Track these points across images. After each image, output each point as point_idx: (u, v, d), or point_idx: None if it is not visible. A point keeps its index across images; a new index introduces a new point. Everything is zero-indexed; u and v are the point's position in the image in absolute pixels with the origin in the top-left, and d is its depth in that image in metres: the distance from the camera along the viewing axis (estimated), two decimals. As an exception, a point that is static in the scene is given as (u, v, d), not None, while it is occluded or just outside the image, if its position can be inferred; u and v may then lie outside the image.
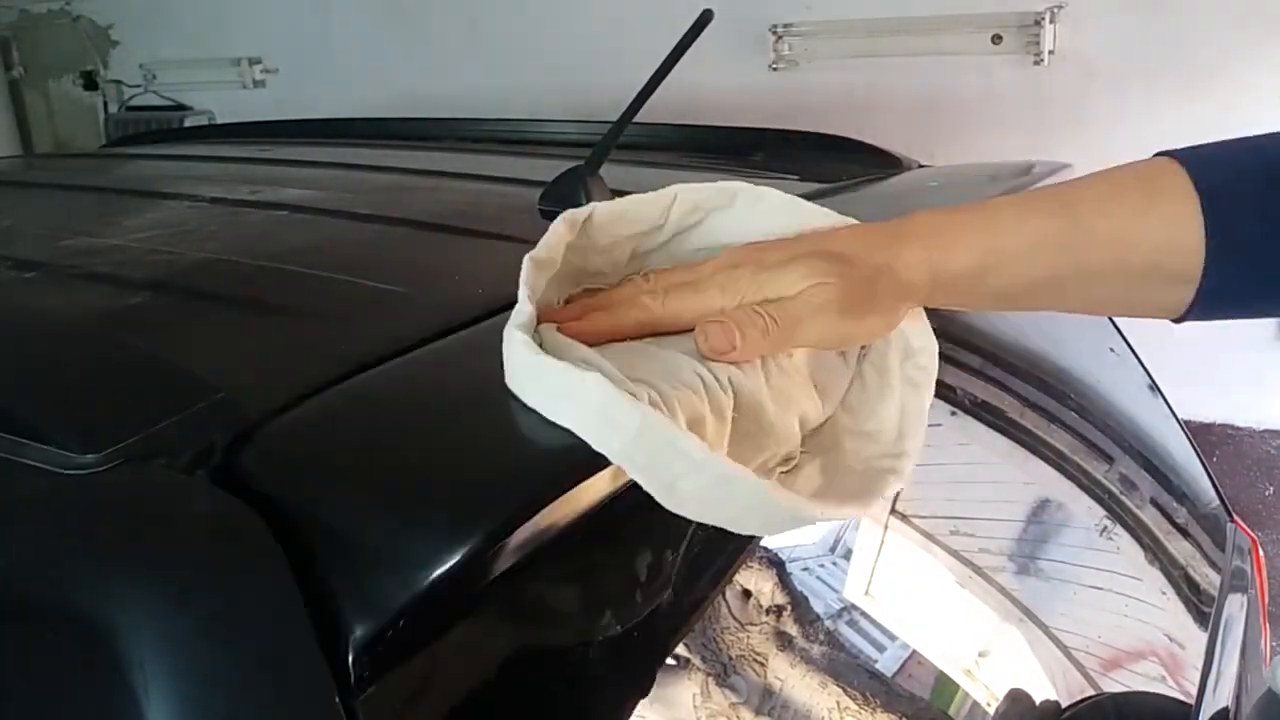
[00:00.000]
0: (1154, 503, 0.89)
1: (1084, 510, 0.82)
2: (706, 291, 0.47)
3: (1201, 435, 2.25)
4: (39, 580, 0.36)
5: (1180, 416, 1.19)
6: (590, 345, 0.44)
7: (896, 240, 0.48)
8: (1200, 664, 0.82)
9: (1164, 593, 0.83)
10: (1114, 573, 0.82)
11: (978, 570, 0.69)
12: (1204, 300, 0.46)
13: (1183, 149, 0.48)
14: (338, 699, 0.33)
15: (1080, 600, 0.78)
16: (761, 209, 0.52)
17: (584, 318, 0.47)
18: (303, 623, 0.34)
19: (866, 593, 0.61)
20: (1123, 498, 0.84)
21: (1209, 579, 0.89)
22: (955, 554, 0.68)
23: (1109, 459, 0.87)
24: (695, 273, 0.48)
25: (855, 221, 0.52)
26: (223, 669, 0.32)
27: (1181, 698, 0.80)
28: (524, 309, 0.44)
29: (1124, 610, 0.80)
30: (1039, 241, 0.47)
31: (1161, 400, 1.16)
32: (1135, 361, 1.11)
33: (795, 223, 0.51)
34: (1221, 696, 0.86)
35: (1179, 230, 0.45)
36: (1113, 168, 0.49)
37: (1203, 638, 0.84)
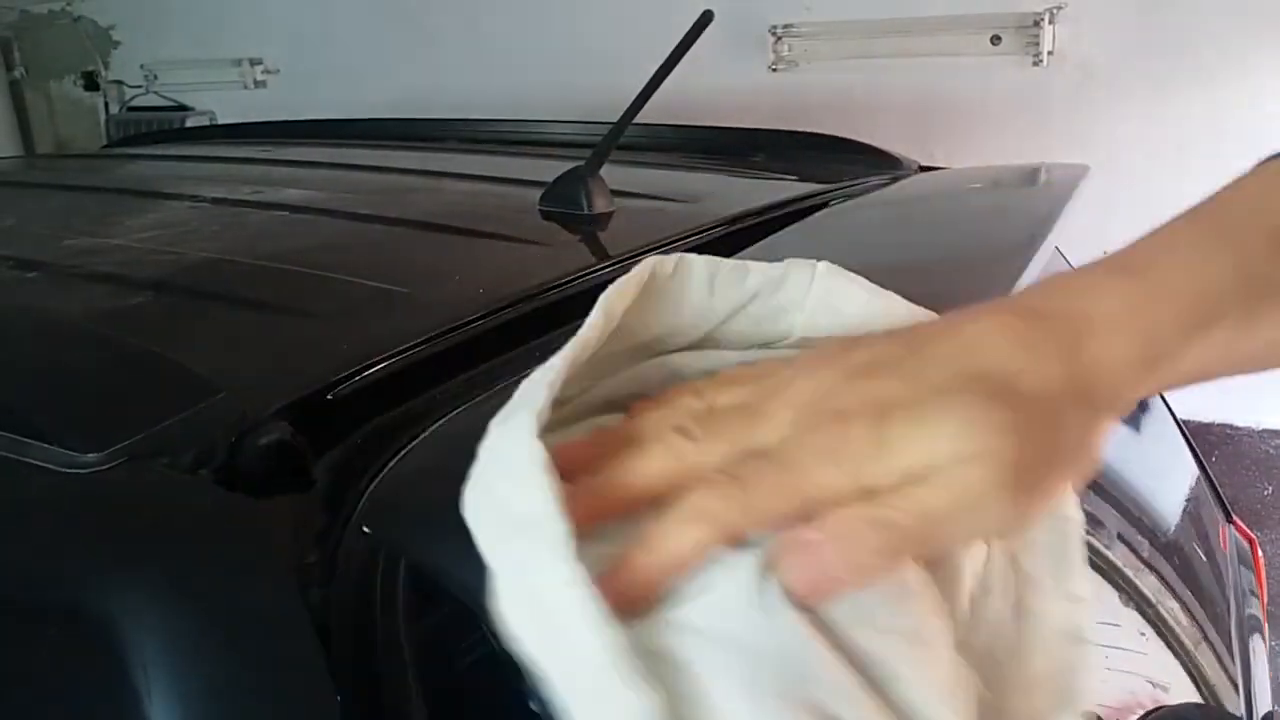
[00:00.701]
0: (1120, 538, 0.85)
1: None
2: (797, 461, 0.29)
3: (1201, 435, 2.26)
4: (42, 580, 0.36)
5: (1180, 416, 1.19)
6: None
7: (1081, 336, 0.30)
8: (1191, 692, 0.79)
9: (1143, 634, 0.77)
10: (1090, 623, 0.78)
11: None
12: None
13: None
14: (337, 699, 0.33)
15: None
16: (817, 292, 0.38)
17: (591, 463, 0.31)
18: (304, 623, 0.34)
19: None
20: (1089, 537, 0.81)
21: (1174, 612, 0.85)
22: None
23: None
24: (775, 403, 0.31)
25: (934, 315, 0.36)
26: (225, 669, 0.32)
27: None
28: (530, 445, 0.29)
29: (1105, 663, 0.75)
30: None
31: (1161, 400, 1.15)
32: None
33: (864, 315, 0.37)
34: (1263, 701, 0.84)
35: None
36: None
37: (1184, 678, 0.80)
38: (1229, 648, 0.88)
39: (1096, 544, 0.79)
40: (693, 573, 0.28)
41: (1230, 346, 0.32)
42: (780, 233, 0.70)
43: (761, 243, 0.65)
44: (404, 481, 0.39)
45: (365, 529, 0.37)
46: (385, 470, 0.41)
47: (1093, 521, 0.81)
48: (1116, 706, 0.70)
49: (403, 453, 0.42)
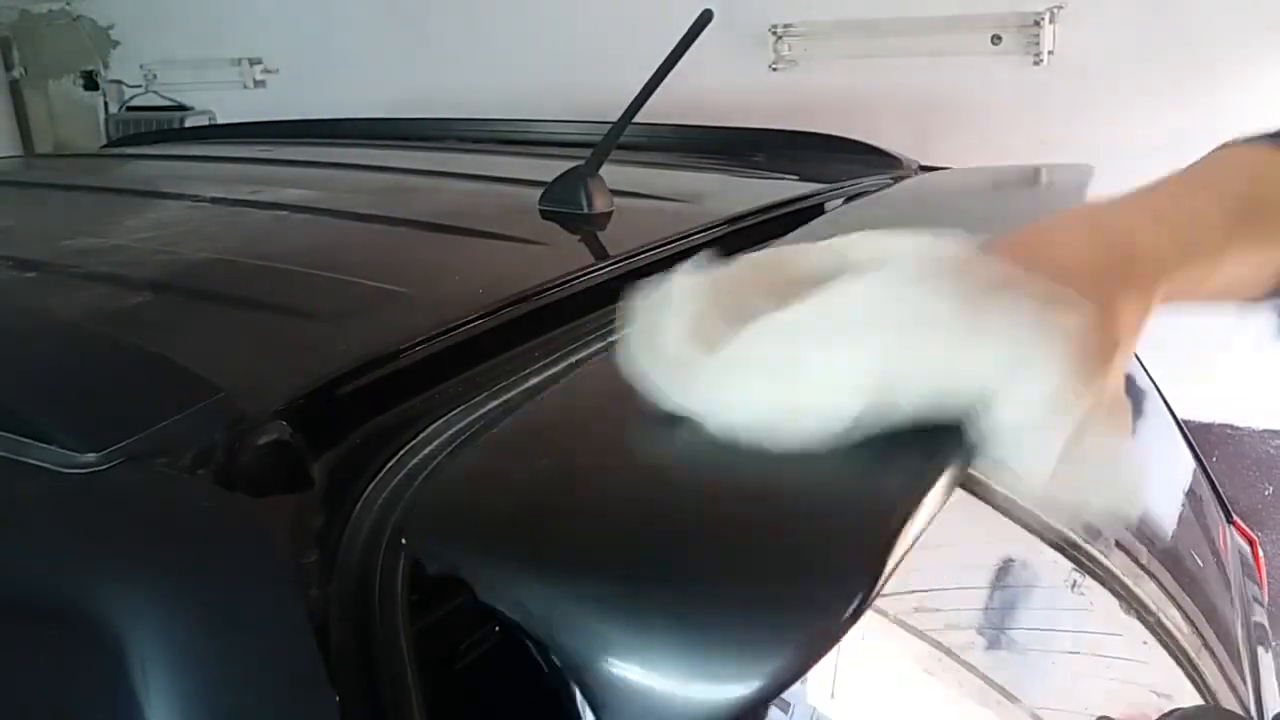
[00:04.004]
0: (1119, 546, 0.82)
1: (1050, 566, 0.74)
2: None
3: (1201, 435, 2.25)
4: (40, 579, 0.36)
5: (1180, 416, 1.19)
6: None
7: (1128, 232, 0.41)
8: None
9: (1145, 643, 0.76)
10: (1090, 633, 0.77)
11: (948, 652, 0.62)
12: None
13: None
14: (336, 698, 0.33)
15: (1060, 669, 0.72)
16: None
17: None
18: (303, 622, 0.34)
19: (831, 695, 0.54)
20: (1087, 546, 0.78)
21: (1175, 620, 0.84)
22: (922, 635, 0.61)
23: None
24: None
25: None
26: (223, 668, 0.32)
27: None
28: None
29: (1106, 673, 0.74)
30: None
31: (1161, 400, 1.15)
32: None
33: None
34: (1272, 706, 0.83)
35: None
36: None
37: (1188, 687, 0.79)
38: (1234, 655, 0.87)
39: (1095, 551, 0.78)
40: None
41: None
42: (793, 234, 0.69)
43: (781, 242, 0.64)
44: (446, 492, 0.38)
45: (403, 540, 0.36)
46: (414, 478, 0.41)
47: (1089, 530, 0.80)
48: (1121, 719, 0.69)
49: (432, 460, 0.41)
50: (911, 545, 0.30)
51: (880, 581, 0.29)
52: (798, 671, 0.27)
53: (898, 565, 0.29)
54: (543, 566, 0.32)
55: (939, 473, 0.33)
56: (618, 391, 0.41)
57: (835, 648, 0.28)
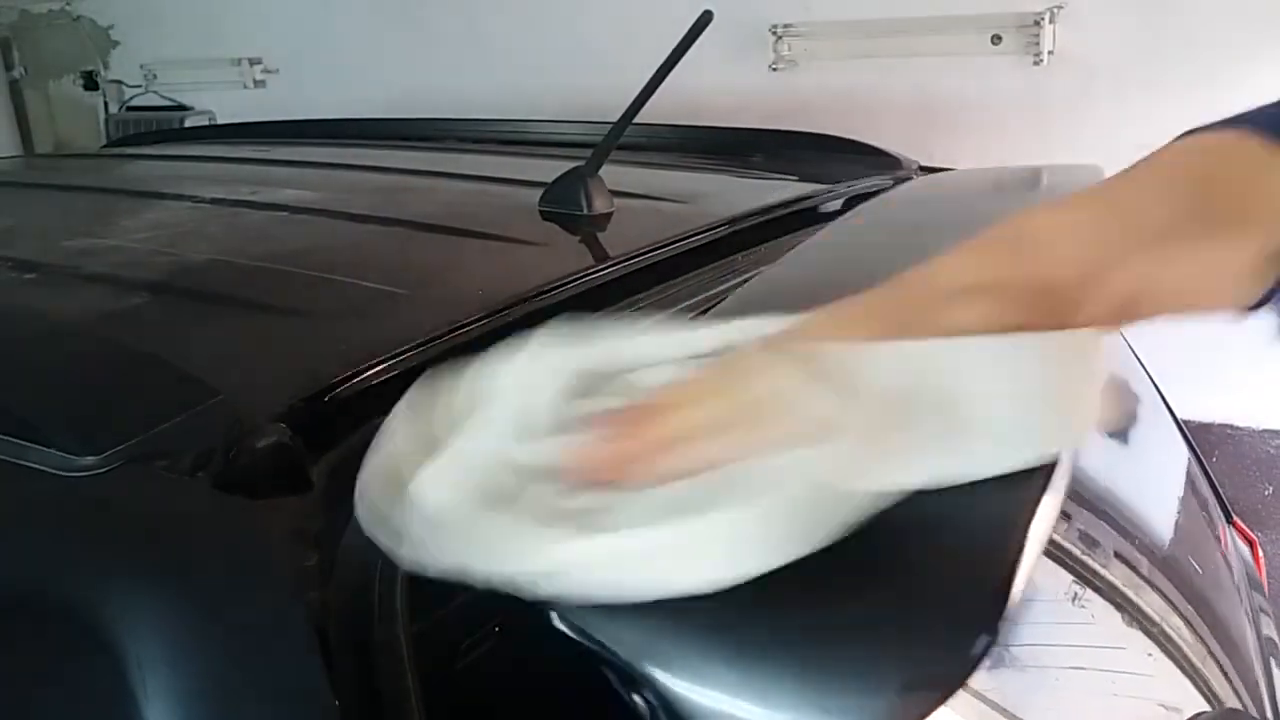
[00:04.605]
0: (1119, 556, 0.81)
1: (1050, 579, 0.73)
2: None
3: (1201, 435, 2.25)
4: (40, 582, 0.36)
5: (1180, 416, 1.19)
6: None
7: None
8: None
9: (1150, 655, 0.75)
10: (1093, 647, 0.75)
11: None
12: None
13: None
14: (335, 701, 0.33)
15: (1064, 686, 0.70)
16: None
17: None
18: (302, 625, 0.34)
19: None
20: (1086, 558, 0.77)
21: (1180, 630, 0.83)
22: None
23: (1066, 516, 0.78)
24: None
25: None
26: (222, 670, 0.32)
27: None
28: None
29: (1111, 689, 0.73)
30: None
31: (1161, 400, 1.15)
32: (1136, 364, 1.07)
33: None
34: None
35: None
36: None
37: (1196, 697, 0.78)
38: (1238, 660, 0.86)
39: (1094, 562, 0.78)
40: None
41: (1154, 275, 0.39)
42: (813, 236, 0.67)
43: (797, 248, 0.63)
44: None
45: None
46: None
47: (1088, 540, 0.79)
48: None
49: None
50: (1027, 581, 0.29)
51: (1006, 620, 0.28)
52: (919, 716, 0.26)
53: (1019, 602, 0.29)
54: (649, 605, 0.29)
55: (1038, 504, 0.32)
56: None
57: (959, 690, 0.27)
